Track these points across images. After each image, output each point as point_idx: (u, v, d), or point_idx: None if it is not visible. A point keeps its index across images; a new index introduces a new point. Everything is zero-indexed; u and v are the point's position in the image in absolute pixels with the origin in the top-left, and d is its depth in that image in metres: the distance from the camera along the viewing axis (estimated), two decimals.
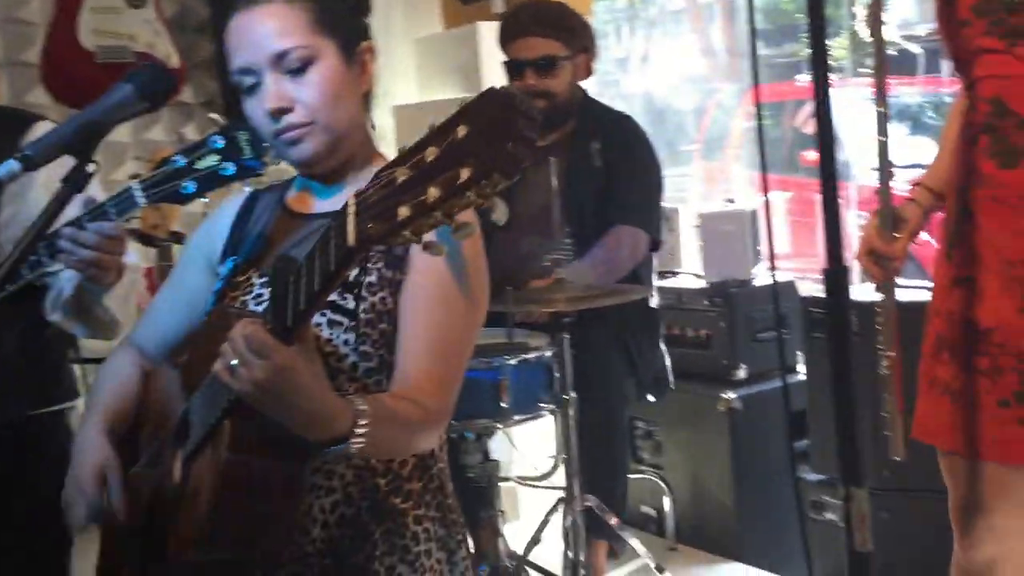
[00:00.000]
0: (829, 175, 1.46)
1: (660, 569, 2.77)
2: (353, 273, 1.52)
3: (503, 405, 2.62)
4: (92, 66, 3.23)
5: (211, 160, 1.74)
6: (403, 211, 1.04)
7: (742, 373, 3.44)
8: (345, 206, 1.11)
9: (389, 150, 3.92)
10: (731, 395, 3.35)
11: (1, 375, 2.17)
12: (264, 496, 1.35)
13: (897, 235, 1.97)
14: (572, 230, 3.10)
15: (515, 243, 3.10)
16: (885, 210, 1.95)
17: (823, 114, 1.46)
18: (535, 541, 2.95)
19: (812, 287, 3.39)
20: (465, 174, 1.01)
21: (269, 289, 1.54)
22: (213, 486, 1.33)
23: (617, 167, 3.10)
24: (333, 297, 1.50)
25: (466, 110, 1.03)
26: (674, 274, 3.79)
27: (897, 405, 1.94)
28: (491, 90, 1.05)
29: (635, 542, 2.83)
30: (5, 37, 3.39)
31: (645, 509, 3.66)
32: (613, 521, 2.76)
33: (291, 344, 1.23)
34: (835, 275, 1.47)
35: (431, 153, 1.03)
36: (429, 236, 1.07)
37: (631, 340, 3.12)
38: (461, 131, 1.02)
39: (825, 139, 1.46)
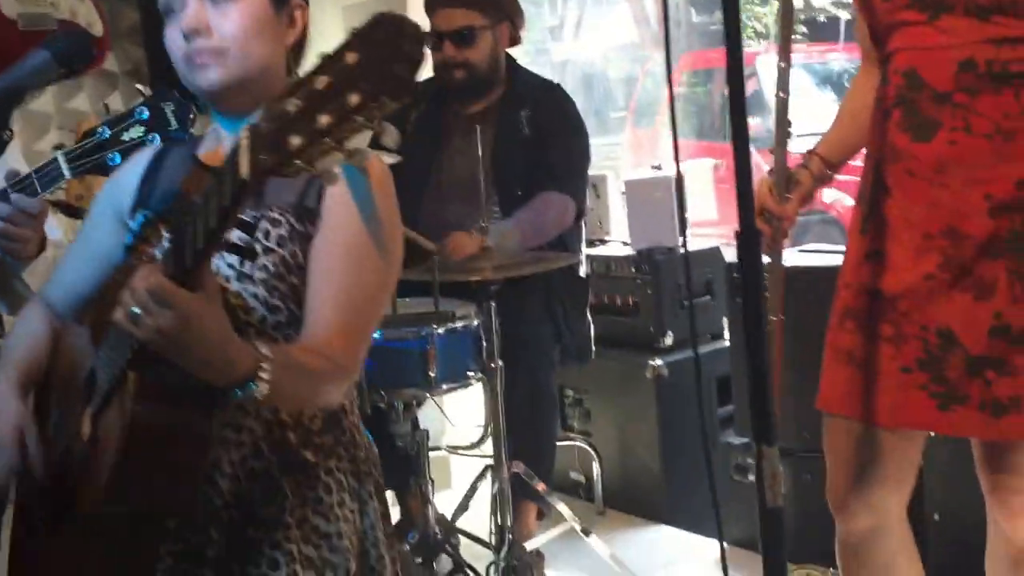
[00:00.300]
0: (741, 141, 1.48)
1: (586, 532, 2.81)
2: (263, 227, 1.52)
3: (431, 374, 2.63)
4: (14, 33, 3.14)
5: (137, 131, 1.75)
6: (295, 140, 1.06)
7: (669, 340, 3.48)
8: (238, 140, 1.12)
9: None
10: (658, 362, 3.39)
11: None
12: (172, 447, 1.35)
13: (789, 197, 2.01)
14: (499, 198, 3.12)
15: (442, 210, 3.11)
16: (780, 170, 1.98)
17: (734, 82, 1.49)
18: (463, 508, 2.98)
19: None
20: (354, 99, 1.03)
21: None
22: (121, 437, 1.33)
23: (544, 135, 3.12)
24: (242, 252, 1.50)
25: (355, 37, 1.05)
26: (603, 242, 3.82)
27: (775, 370, 1.93)
28: (379, 15, 1.07)
29: (562, 507, 2.87)
30: None
31: (574, 475, 3.71)
32: (540, 487, 2.80)
33: (193, 289, 1.24)
34: (747, 239, 1.50)
35: (321, 82, 1.04)
36: (324, 164, 1.08)
37: (558, 308, 3.15)
38: (350, 57, 1.04)
39: (736, 104, 1.49)
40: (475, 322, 2.70)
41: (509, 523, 2.73)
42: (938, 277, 1.82)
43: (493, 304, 2.64)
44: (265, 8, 1.57)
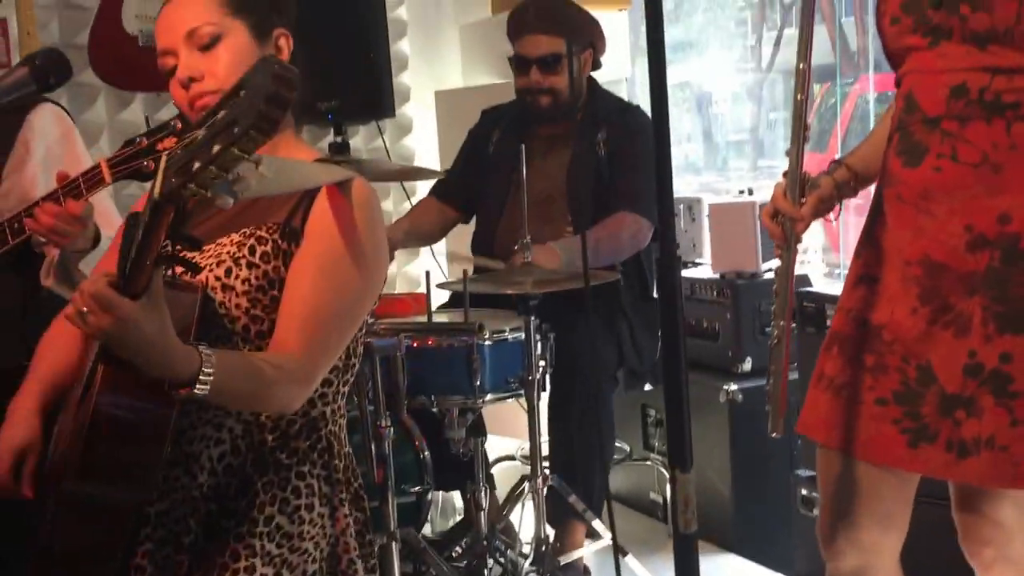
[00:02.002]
0: (664, 161, 1.50)
1: (623, 552, 2.83)
2: (248, 243, 1.66)
3: (477, 383, 2.73)
4: (135, 49, 3.44)
5: (170, 142, 1.92)
6: (196, 165, 1.20)
7: (747, 366, 3.45)
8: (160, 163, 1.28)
9: (430, 135, 4.07)
10: (733, 387, 3.37)
11: (1, 329, 2.41)
12: (132, 437, 1.49)
13: (803, 200, 1.92)
14: (573, 217, 3.18)
15: (519, 229, 3.19)
16: (794, 172, 1.91)
17: (658, 104, 1.50)
18: (504, 517, 3.05)
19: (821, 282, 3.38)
20: (236, 130, 1.17)
21: None
22: (85, 423, 1.47)
23: (619, 156, 3.18)
24: (228, 263, 1.64)
25: (246, 76, 1.20)
26: (696, 264, 3.82)
27: (781, 379, 1.89)
28: (263, 58, 1.23)
29: (597, 523, 2.89)
30: (61, 21, 3.64)
31: (653, 496, 3.71)
32: (572, 499, 2.84)
33: (136, 296, 1.38)
34: (665, 260, 1.50)
35: (222, 114, 1.19)
36: (215, 189, 1.22)
37: (624, 327, 3.18)
38: (241, 94, 1.18)
39: (660, 129, 1.50)
40: (523, 335, 2.77)
41: (543, 535, 2.78)
42: (920, 311, 1.78)
43: (533, 318, 2.70)
44: (247, 43, 1.71)
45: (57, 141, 2.43)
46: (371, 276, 1.70)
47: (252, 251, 1.65)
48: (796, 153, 1.90)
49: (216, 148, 1.19)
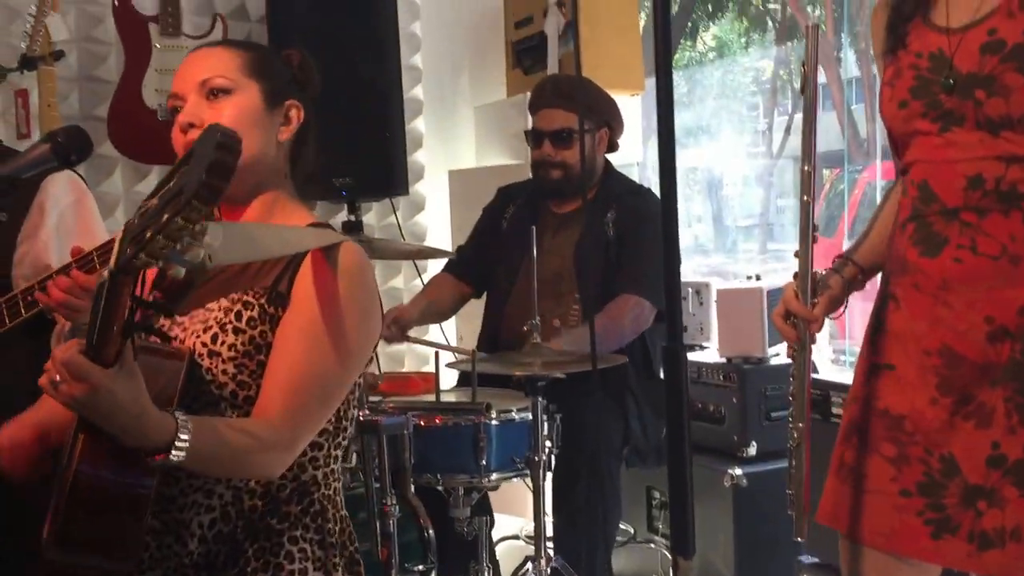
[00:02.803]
0: (671, 246, 1.52)
1: None
2: (235, 308, 1.67)
3: (483, 463, 2.74)
4: (154, 122, 3.50)
5: None
6: (147, 235, 1.21)
7: (752, 451, 3.44)
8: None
9: (443, 213, 4.12)
10: (738, 472, 3.36)
11: (15, 397, 2.42)
12: (112, 506, 1.48)
13: (815, 301, 1.92)
14: (580, 296, 3.21)
15: (528, 306, 3.21)
16: (804, 274, 1.91)
17: (667, 188, 1.53)
18: None
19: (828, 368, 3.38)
20: (181, 199, 1.18)
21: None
22: (65, 491, 1.47)
23: (628, 238, 3.21)
24: (214, 330, 1.66)
25: (195, 143, 1.22)
26: (702, 348, 3.83)
27: (804, 482, 1.88)
28: (208, 127, 1.24)
29: None
30: (82, 93, 3.71)
31: None
32: None
33: (108, 364, 1.38)
34: (671, 354, 1.53)
35: (172, 182, 1.21)
36: (165, 257, 1.24)
37: (631, 408, 3.19)
38: (189, 163, 1.20)
39: (668, 216, 1.53)
40: (530, 415, 2.77)
41: None
42: (941, 401, 1.79)
43: (540, 399, 2.71)
44: (257, 105, 1.74)
45: (71, 207, 2.47)
46: (355, 343, 1.69)
47: (239, 316, 1.66)
48: (806, 255, 1.90)
49: (164, 217, 1.19)
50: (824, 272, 1.98)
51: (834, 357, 3.98)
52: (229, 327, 1.66)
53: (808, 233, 1.90)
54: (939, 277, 1.79)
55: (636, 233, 3.20)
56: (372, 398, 2.75)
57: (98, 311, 1.35)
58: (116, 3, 3.57)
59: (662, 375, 3.25)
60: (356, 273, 1.70)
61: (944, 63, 1.77)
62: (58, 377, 1.39)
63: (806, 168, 1.90)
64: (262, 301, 1.67)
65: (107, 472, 1.47)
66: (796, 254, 1.94)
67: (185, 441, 1.45)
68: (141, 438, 1.44)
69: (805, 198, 1.91)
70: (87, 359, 1.37)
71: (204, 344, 1.66)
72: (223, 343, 1.65)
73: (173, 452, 1.45)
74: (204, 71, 1.73)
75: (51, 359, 1.41)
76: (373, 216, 4.30)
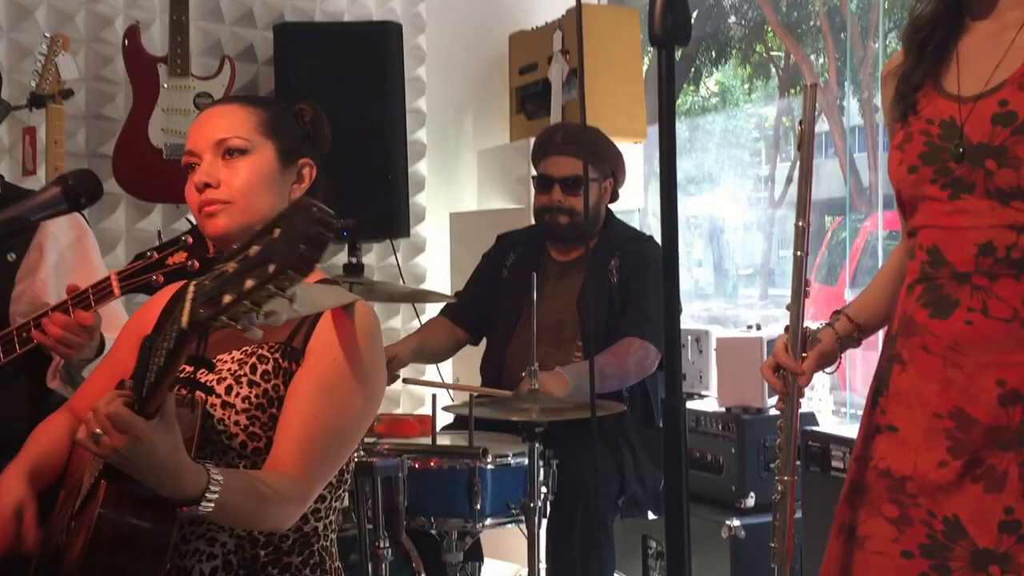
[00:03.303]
0: (671, 307, 1.53)
1: None
2: (250, 361, 1.68)
3: (477, 507, 2.72)
4: (159, 161, 3.53)
5: (179, 257, 1.95)
6: (227, 298, 1.23)
7: (751, 502, 3.42)
8: (185, 292, 1.29)
9: (443, 255, 4.12)
10: (735, 523, 3.34)
11: (9, 432, 2.42)
12: (132, 552, 1.50)
13: (805, 355, 1.93)
14: (583, 343, 3.21)
15: (529, 352, 3.21)
16: (795, 327, 1.92)
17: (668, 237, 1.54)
18: None
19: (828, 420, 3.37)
20: (271, 268, 1.20)
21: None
22: (84, 539, 1.48)
23: (633, 283, 3.22)
24: (228, 381, 1.67)
25: (283, 215, 1.23)
26: (701, 397, 3.82)
27: (787, 537, 1.88)
28: (300, 199, 1.27)
29: None
30: (89, 131, 3.74)
31: None
32: None
33: (150, 416, 1.40)
34: (671, 408, 1.52)
35: (254, 250, 1.22)
36: (246, 321, 1.25)
37: (627, 456, 3.17)
38: (276, 232, 1.22)
39: (670, 267, 1.54)
40: (526, 460, 2.76)
41: None
42: (950, 464, 1.77)
43: (538, 444, 2.70)
44: (272, 165, 1.77)
45: (70, 246, 2.48)
46: (371, 397, 1.73)
47: (253, 369, 1.68)
48: (797, 309, 1.92)
49: (249, 284, 1.21)
50: (820, 325, 1.99)
51: (835, 408, 3.96)
52: (244, 379, 1.68)
53: (800, 288, 1.92)
54: (949, 339, 1.78)
55: (640, 279, 3.21)
56: (367, 439, 2.74)
57: (149, 365, 1.37)
58: (126, 43, 3.60)
59: (659, 423, 3.26)
60: (372, 329, 1.73)
61: (955, 131, 1.78)
62: (98, 430, 1.40)
63: (800, 224, 1.92)
64: (276, 355, 1.70)
65: (129, 519, 1.50)
66: (788, 307, 1.96)
67: (215, 493, 1.47)
68: (176, 488, 1.45)
69: (798, 253, 1.93)
70: (131, 411, 1.39)
71: (218, 395, 1.67)
72: (237, 395, 1.67)
73: (202, 504, 1.47)
74: (220, 130, 1.75)
75: (92, 412, 1.41)
76: (373, 256, 4.31)
